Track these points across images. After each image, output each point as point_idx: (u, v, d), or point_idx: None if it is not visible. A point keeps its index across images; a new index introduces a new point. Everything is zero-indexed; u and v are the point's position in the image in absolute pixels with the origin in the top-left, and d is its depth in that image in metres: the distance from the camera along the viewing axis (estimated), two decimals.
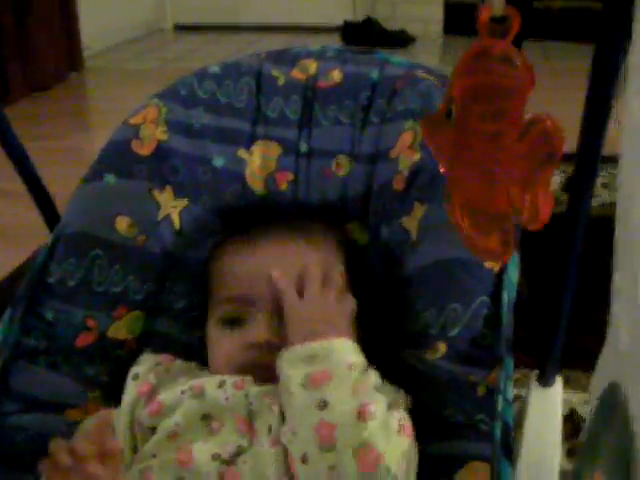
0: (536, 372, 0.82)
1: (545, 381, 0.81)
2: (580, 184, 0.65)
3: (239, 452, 0.74)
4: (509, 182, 0.52)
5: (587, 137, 0.60)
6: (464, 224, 0.58)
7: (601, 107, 0.58)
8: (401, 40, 4.28)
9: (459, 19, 3.89)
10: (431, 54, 4.12)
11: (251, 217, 0.95)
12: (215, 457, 0.73)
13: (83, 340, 0.89)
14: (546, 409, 0.81)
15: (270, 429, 0.74)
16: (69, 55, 3.60)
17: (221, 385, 0.78)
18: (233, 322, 0.83)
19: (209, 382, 0.79)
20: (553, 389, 0.82)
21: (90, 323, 0.89)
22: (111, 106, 3.23)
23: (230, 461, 0.73)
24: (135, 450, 0.80)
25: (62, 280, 0.89)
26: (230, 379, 0.79)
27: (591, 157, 0.62)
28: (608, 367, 0.59)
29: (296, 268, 0.82)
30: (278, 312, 0.80)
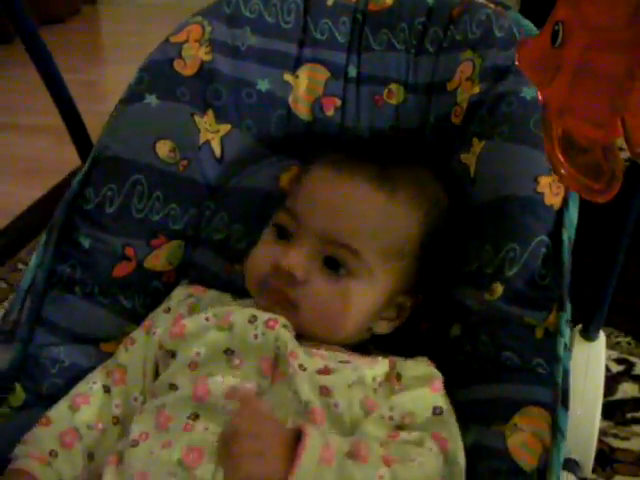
0: (579, 327, 0.81)
1: (590, 336, 0.80)
2: None
3: (258, 392, 0.71)
4: (629, 109, 0.46)
5: None
6: (563, 159, 0.53)
7: None
8: None
9: None
10: None
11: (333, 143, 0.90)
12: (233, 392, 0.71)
13: (121, 270, 0.85)
14: (590, 363, 0.80)
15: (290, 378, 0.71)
16: None
17: (252, 320, 0.75)
18: (282, 232, 0.79)
19: (239, 315, 0.76)
20: (597, 343, 0.81)
21: (129, 252, 0.85)
22: (125, 40, 3.16)
23: None
24: (157, 377, 0.78)
25: (100, 206, 0.85)
26: (262, 315, 0.75)
27: None
28: None
29: (360, 225, 0.77)
30: (319, 251, 0.76)
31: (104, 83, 2.88)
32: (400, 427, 0.70)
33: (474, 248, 0.81)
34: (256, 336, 0.74)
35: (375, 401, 0.71)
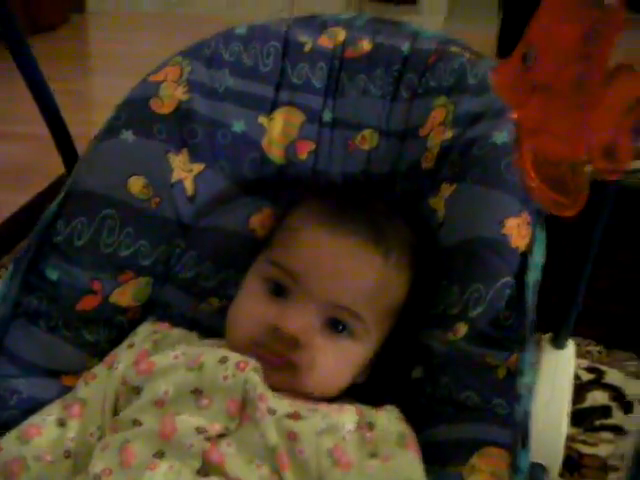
0: (549, 335, 0.84)
1: (558, 343, 0.83)
2: None
3: (225, 434, 0.71)
4: (592, 128, 0.49)
5: None
6: (533, 175, 0.55)
7: None
8: None
9: None
10: (439, 12, 4.02)
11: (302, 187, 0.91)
12: (200, 430, 0.70)
13: (86, 304, 0.85)
14: (559, 371, 0.83)
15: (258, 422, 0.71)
16: None
17: (222, 361, 0.75)
18: (277, 289, 0.78)
19: (210, 355, 0.76)
20: (565, 351, 0.84)
21: (95, 286, 0.85)
22: (113, 49, 3.18)
23: (214, 440, 0.70)
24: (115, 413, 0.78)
25: (69, 239, 0.85)
26: (233, 357, 0.75)
27: None
28: None
29: (361, 287, 0.77)
30: (321, 314, 0.77)
31: (92, 92, 2.89)
32: None
33: (442, 290, 0.82)
34: (226, 377, 0.73)
35: (344, 450, 0.71)
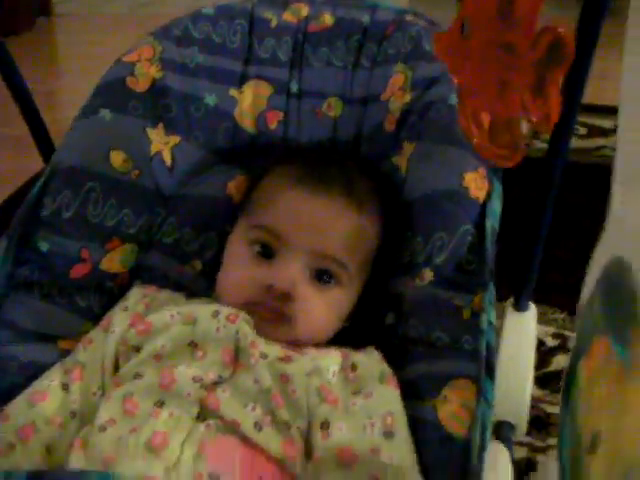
0: (511, 300, 0.87)
1: (520, 306, 0.86)
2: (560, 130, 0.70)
3: (219, 381, 0.76)
4: (523, 87, 0.55)
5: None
6: (475, 132, 0.61)
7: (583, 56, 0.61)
8: None
9: None
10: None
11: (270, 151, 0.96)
12: (196, 379, 0.75)
13: (77, 271, 0.89)
14: (521, 331, 0.86)
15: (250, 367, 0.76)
16: (37, 0, 3.53)
17: (214, 315, 0.80)
18: (265, 250, 0.83)
19: (202, 310, 0.81)
20: (527, 313, 0.87)
21: (84, 254, 0.90)
22: (82, 51, 3.19)
23: (210, 388, 0.75)
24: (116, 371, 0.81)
25: (57, 212, 0.89)
26: (224, 310, 0.80)
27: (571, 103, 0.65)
28: (611, 243, 0.62)
29: (341, 237, 0.83)
30: (308, 266, 0.82)
31: (61, 92, 2.90)
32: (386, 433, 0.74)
33: (407, 241, 0.87)
34: (218, 329, 0.78)
35: (330, 389, 0.76)
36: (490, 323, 0.78)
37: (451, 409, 0.76)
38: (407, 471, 0.72)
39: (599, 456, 0.54)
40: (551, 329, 1.43)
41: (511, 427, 0.84)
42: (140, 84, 0.95)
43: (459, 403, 0.75)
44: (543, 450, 1.17)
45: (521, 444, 1.16)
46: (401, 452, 0.73)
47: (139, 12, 3.90)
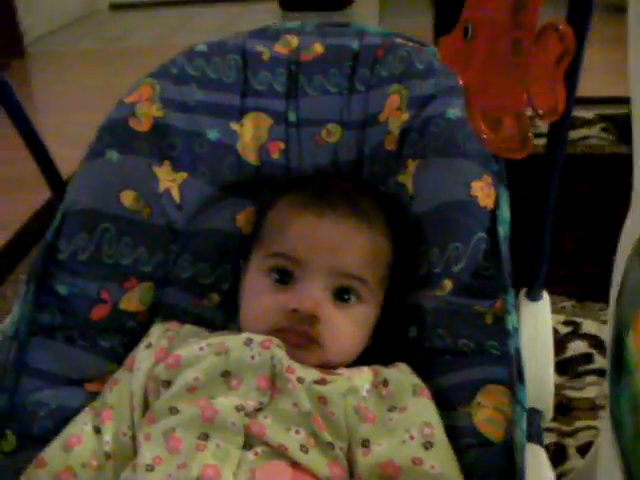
0: (524, 291, 0.90)
1: (534, 295, 0.89)
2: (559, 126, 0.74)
3: (260, 408, 0.77)
4: (529, 81, 0.58)
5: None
6: (484, 129, 0.64)
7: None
8: (339, 2, 4.30)
9: None
10: (370, 16, 4.15)
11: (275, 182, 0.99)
12: (239, 408, 0.76)
13: (98, 312, 0.91)
14: (538, 319, 0.88)
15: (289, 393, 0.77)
16: (10, 43, 3.54)
17: (247, 343, 0.80)
18: (283, 276, 0.85)
19: (233, 340, 0.82)
20: (542, 303, 0.89)
21: (104, 295, 0.91)
22: (57, 89, 3.21)
23: (252, 415, 0.76)
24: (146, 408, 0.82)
25: (73, 255, 0.91)
26: (257, 338, 0.81)
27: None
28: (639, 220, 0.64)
29: (358, 254, 0.85)
30: (329, 286, 0.84)
31: (42, 132, 2.91)
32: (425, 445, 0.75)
33: (422, 254, 0.90)
34: (253, 357, 0.79)
35: (367, 407, 0.78)
36: (514, 327, 0.81)
37: (486, 414, 0.78)
38: (451, 479, 0.74)
39: None
40: (562, 317, 1.46)
41: (539, 414, 0.85)
42: (142, 124, 0.96)
43: (493, 407, 0.78)
44: (570, 434, 1.20)
45: (549, 430, 1.18)
46: (443, 461, 0.75)
47: (110, 47, 3.93)
